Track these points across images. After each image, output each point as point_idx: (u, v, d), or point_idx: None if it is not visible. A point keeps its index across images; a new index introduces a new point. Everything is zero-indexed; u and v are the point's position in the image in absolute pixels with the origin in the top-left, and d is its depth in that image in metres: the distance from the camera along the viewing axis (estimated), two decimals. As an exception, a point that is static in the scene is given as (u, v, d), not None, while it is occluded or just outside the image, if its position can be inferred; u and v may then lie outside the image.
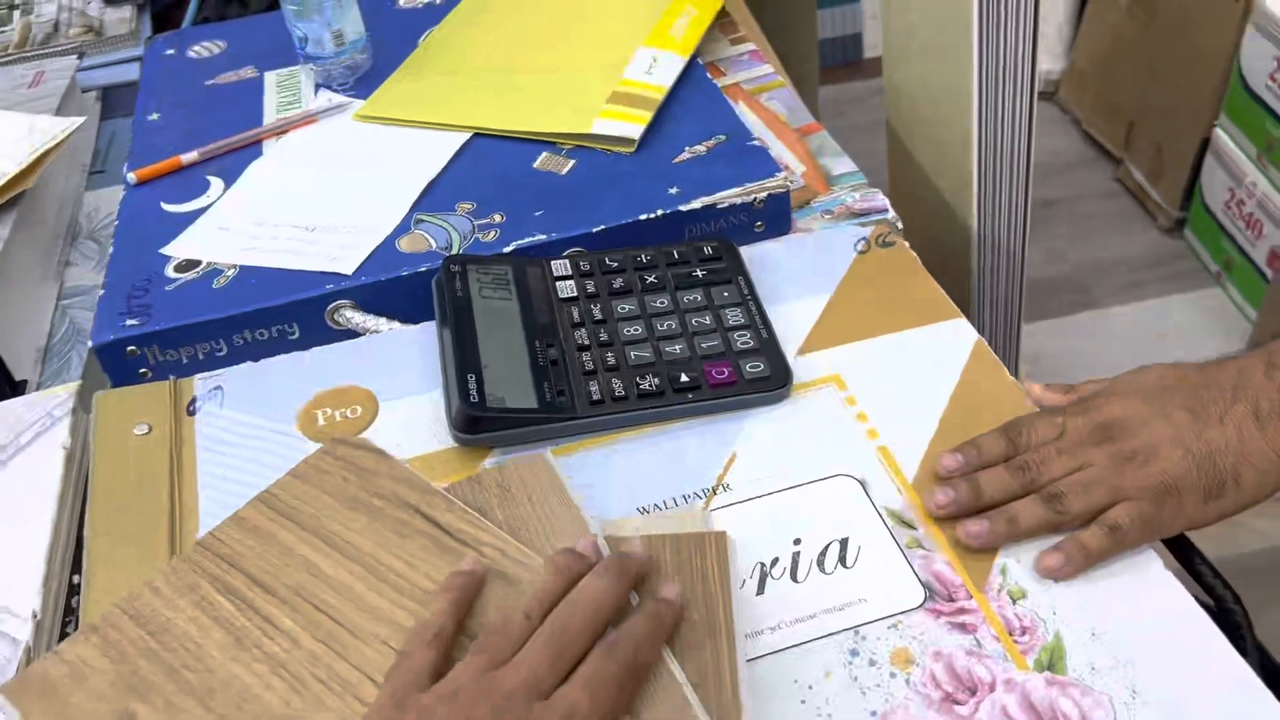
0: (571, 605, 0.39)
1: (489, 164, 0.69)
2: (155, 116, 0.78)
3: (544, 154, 0.70)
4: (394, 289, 0.61)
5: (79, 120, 0.72)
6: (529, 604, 0.39)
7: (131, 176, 0.71)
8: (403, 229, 0.64)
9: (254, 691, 0.38)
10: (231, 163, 0.72)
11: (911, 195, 0.81)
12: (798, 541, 0.47)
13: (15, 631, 0.46)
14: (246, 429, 0.54)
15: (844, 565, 0.47)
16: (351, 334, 0.61)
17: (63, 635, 0.48)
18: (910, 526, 0.48)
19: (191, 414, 0.55)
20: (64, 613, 0.50)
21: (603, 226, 0.63)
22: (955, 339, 0.56)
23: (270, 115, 0.76)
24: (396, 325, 0.60)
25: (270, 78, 0.80)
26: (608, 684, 0.37)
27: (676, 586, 0.42)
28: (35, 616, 0.47)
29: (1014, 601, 0.45)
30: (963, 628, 0.44)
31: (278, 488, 0.45)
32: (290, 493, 0.45)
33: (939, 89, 0.73)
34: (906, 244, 0.62)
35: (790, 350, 0.56)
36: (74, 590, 0.51)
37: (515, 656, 0.37)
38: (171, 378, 0.57)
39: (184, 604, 0.41)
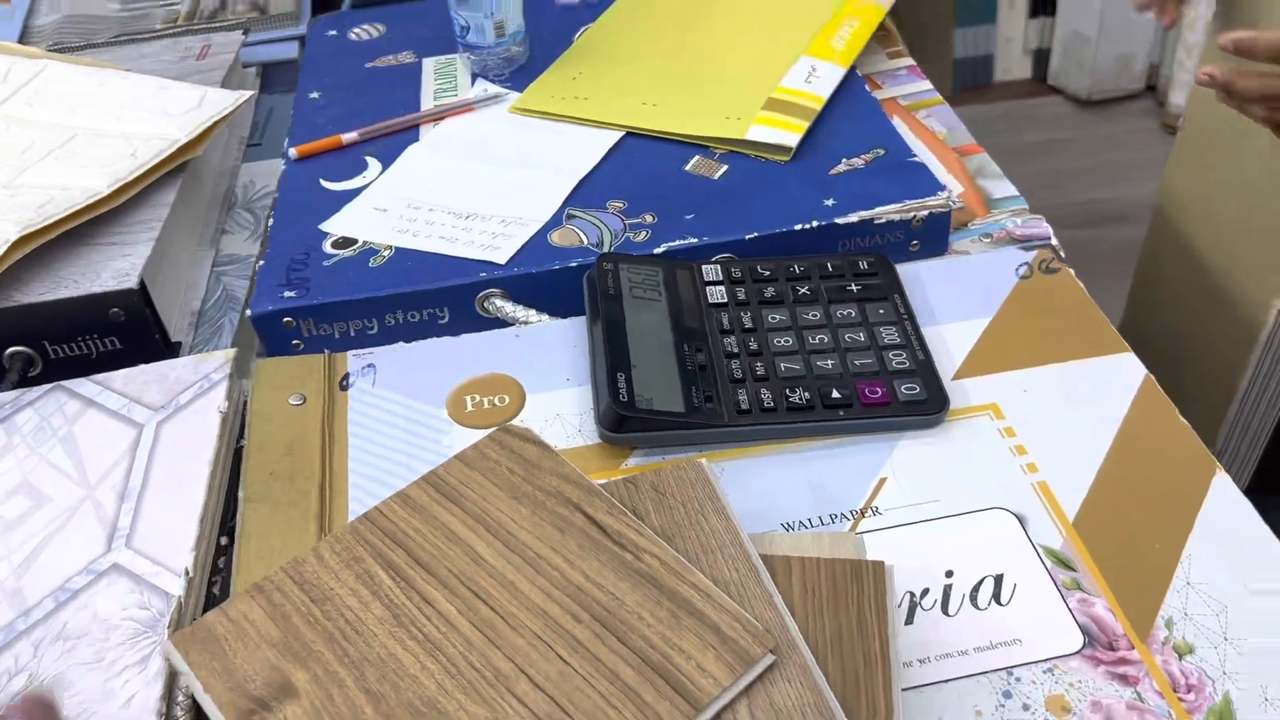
0: None
1: (641, 164, 0.69)
2: (316, 95, 0.80)
3: (696, 157, 0.69)
4: (544, 281, 0.61)
5: (248, 94, 0.74)
6: None
7: (293, 152, 0.73)
8: (555, 223, 0.64)
9: (409, 670, 0.38)
10: (389, 145, 0.73)
11: (1170, 273, 0.76)
12: (950, 574, 0.46)
13: (169, 586, 0.48)
14: (397, 408, 0.55)
15: (998, 602, 0.45)
16: (498, 322, 0.61)
17: (209, 593, 0.50)
18: (1069, 567, 0.46)
19: (344, 389, 0.56)
20: (210, 571, 0.51)
21: (755, 234, 0.62)
22: (1122, 374, 0.54)
23: (427, 101, 0.77)
24: (544, 317, 0.61)
25: (428, 64, 0.82)
26: None
27: None
28: (188, 574, 0.48)
29: (1180, 657, 0.43)
30: (1123, 679, 0.42)
31: (444, 470, 0.45)
32: (456, 477, 0.45)
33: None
34: (1071, 271, 0.60)
35: (945, 374, 0.54)
36: (220, 550, 0.52)
37: None
38: (326, 351, 0.59)
39: (347, 575, 0.41)
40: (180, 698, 0.43)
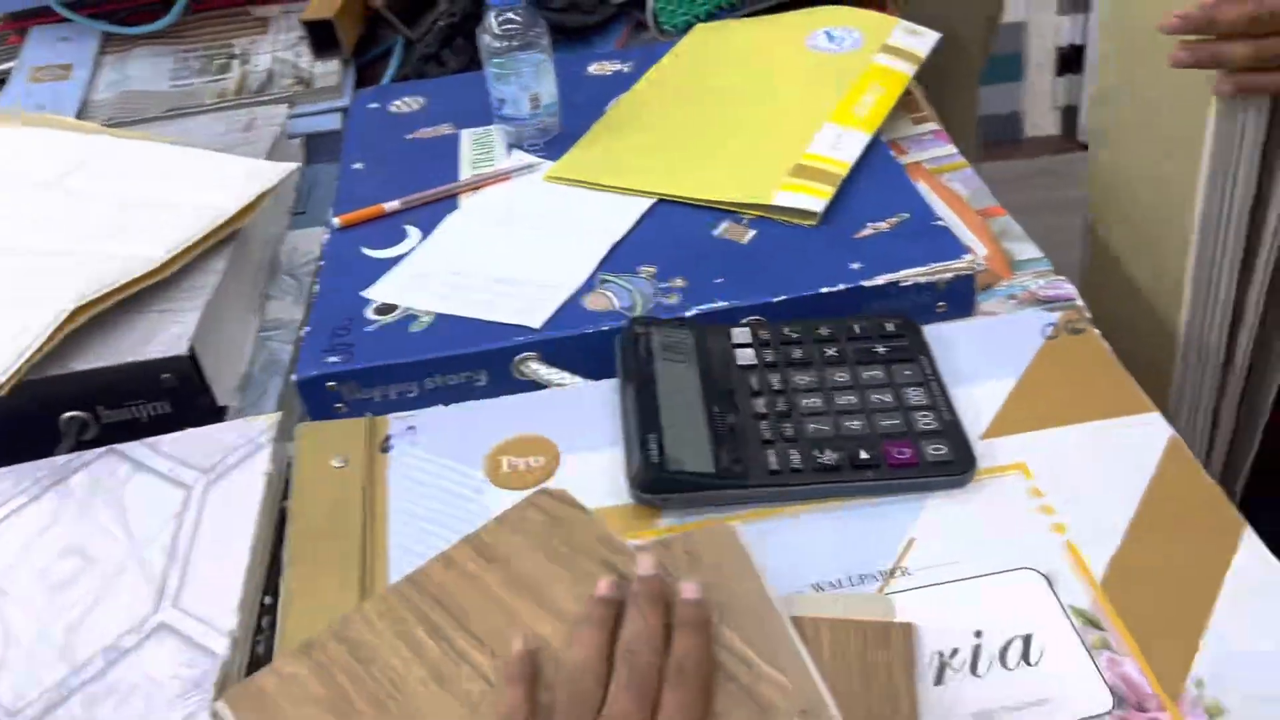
0: (633, 647, 0.41)
1: (672, 229, 0.71)
2: (359, 165, 0.83)
3: (726, 223, 0.71)
4: (577, 345, 0.63)
5: (294, 166, 0.77)
6: (588, 661, 0.41)
7: (336, 221, 0.75)
8: (588, 287, 0.66)
9: (448, 728, 0.39)
10: (429, 213, 0.75)
11: (1106, 285, 0.79)
12: (979, 634, 0.46)
13: (215, 646, 0.49)
14: (436, 469, 0.56)
15: (1027, 662, 0.45)
16: (534, 384, 0.63)
17: (253, 652, 0.51)
18: (1098, 627, 0.46)
19: (385, 451, 0.58)
20: (255, 631, 0.52)
21: (783, 297, 0.64)
22: (1149, 434, 0.54)
23: (465, 171, 0.80)
24: (578, 380, 0.62)
25: (466, 135, 0.85)
26: (693, 706, 0.40)
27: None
28: (233, 635, 0.50)
29: (1211, 718, 0.43)
30: (1155, 740, 0.42)
31: (484, 532, 0.47)
32: (495, 538, 0.46)
33: (1155, 180, 0.71)
34: (1097, 332, 0.61)
35: (973, 435, 0.55)
36: (264, 610, 0.53)
37: (602, 712, 0.39)
38: (368, 414, 0.60)
39: (390, 635, 0.43)
40: (226, 755, 0.44)
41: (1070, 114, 2.34)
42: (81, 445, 0.63)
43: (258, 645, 0.52)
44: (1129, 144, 0.76)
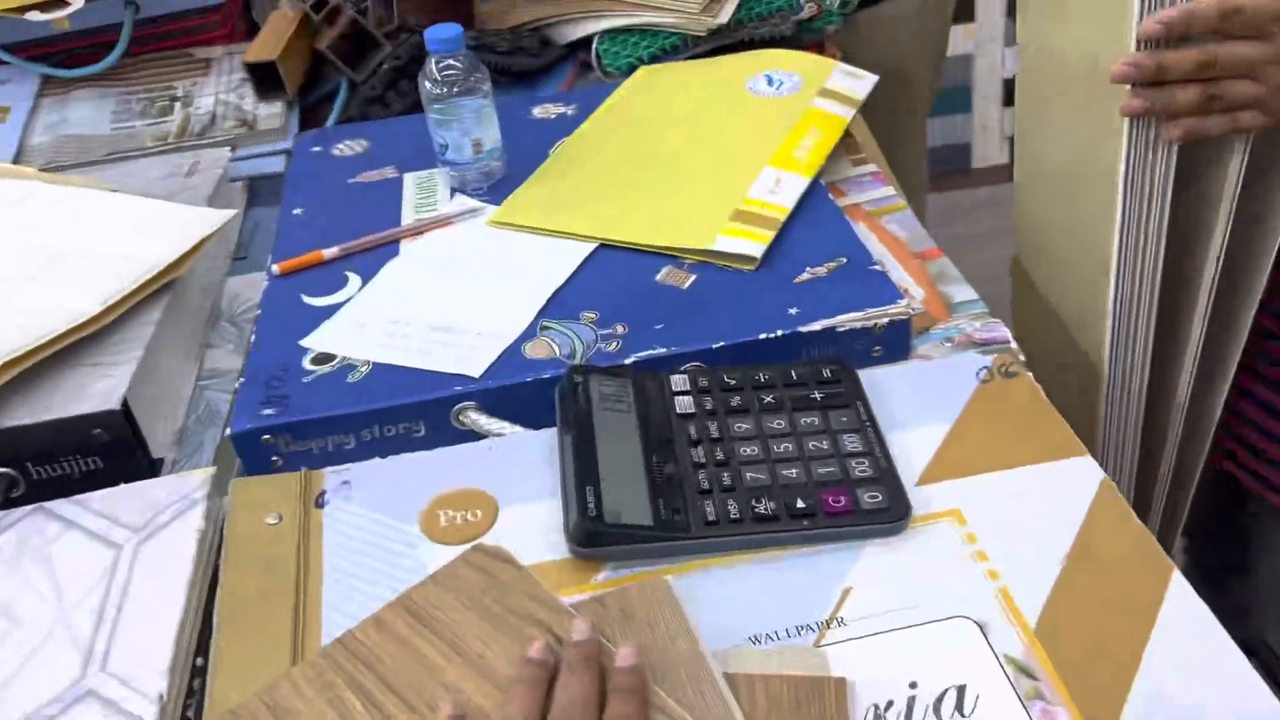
0: (568, 714, 0.41)
1: (613, 274, 0.71)
2: (299, 211, 0.82)
3: (667, 267, 0.71)
4: (518, 393, 0.63)
5: (232, 213, 0.77)
6: None
7: (275, 268, 0.75)
8: (529, 335, 0.66)
9: (374, 799, 0.39)
10: (369, 260, 0.75)
11: (1034, 324, 0.80)
12: (914, 685, 0.47)
13: (142, 711, 0.48)
14: (371, 525, 0.56)
15: (960, 714, 0.45)
16: (474, 434, 0.63)
17: (183, 716, 0.50)
18: (1031, 676, 0.47)
19: (320, 507, 0.57)
20: (186, 694, 0.51)
21: (721, 343, 0.64)
22: (1081, 478, 0.55)
23: (408, 215, 0.80)
24: (519, 429, 0.62)
25: (409, 179, 0.84)
26: None
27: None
28: (161, 698, 0.49)
29: (1141, 767, 0.43)
30: (1086, 791, 0.42)
31: (417, 592, 0.46)
32: (429, 599, 0.46)
33: (1074, 219, 0.73)
34: (1030, 375, 0.61)
35: (908, 480, 0.56)
36: (196, 672, 0.52)
37: None
38: (303, 469, 0.60)
39: (318, 700, 0.42)
40: (150, 828, 0.43)
41: (1017, 144, 2.39)
42: (10, 503, 0.61)
43: (189, 709, 0.51)
44: (1048, 180, 0.78)
